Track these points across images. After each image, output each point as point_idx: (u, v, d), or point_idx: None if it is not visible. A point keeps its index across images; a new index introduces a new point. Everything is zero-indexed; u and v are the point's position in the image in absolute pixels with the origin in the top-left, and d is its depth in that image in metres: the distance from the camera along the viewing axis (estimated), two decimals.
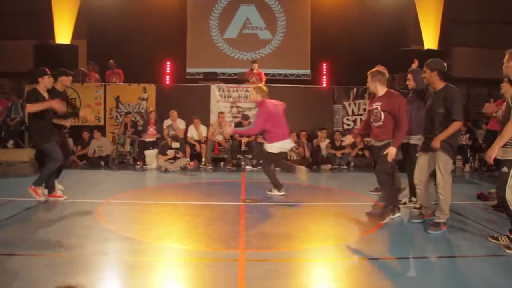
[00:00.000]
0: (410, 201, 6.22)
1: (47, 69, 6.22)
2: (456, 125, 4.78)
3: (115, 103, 11.32)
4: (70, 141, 10.22)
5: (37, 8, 13.71)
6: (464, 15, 15.27)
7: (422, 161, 5.21)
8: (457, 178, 9.57)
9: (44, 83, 6.12)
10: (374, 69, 5.49)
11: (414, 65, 6.49)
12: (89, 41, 14.37)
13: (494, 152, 4.30)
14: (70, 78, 6.84)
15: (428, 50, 12.70)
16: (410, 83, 6.15)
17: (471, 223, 5.37)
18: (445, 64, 5.03)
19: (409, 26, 14.45)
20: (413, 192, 6.22)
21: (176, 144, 9.85)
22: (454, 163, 9.91)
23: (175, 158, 9.73)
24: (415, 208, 5.95)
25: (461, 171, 10.38)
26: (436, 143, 4.83)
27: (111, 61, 12.45)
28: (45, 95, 6.14)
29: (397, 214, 5.53)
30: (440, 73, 4.92)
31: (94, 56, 13.51)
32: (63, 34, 12.33)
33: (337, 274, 3.75)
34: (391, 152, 5.16)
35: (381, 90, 5.36)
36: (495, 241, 4.51)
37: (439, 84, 4.94)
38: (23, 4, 14.23)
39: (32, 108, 5.94)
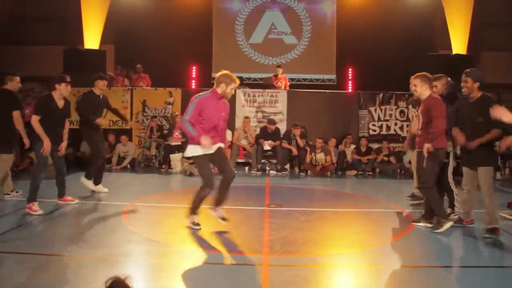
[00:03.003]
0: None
1: (67, 77, 5.90)
2: (494, 132, 4.82)
3: (142, 107, 11.46)
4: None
5: (65, 14, 13.98)
6: (494, 19, 14.84)
7: (467, 168, 5.20)
8: None
9: (61, 90, 5.81)
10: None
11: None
12: (116, 46, 14.59)
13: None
14: (105, 82, 6.95)
15: (457, 55, 12.44)
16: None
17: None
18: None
19: (437, 30, 14.14)
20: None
21: None
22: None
23: None
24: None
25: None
26: (476, 143, 4.85)
27: (138, 65, 12.64)
28: (60, 103, 5.86)
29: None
30: (481, 84, 4.99)
31: (121, 61, 13.73)
32: (91, 39, 12.54)
33: (361, 281, 3.68)
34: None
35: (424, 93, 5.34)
36: None
37: (477, 94, 4.99)
38: (52, 10, 14.50)
39: (36, 125, 5.61)
